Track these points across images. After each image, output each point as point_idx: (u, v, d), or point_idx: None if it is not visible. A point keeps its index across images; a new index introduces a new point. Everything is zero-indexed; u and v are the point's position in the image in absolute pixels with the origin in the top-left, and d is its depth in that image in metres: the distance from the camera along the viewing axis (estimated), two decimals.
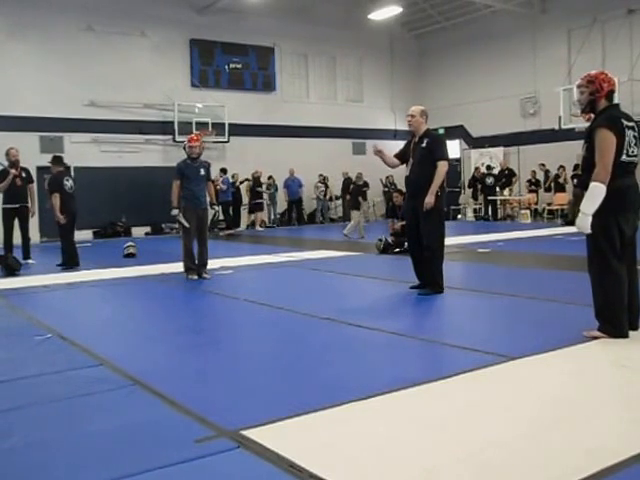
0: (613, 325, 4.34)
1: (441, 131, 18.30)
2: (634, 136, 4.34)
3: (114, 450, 2.84)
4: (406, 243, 8.06)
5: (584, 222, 4.23)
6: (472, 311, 5.99)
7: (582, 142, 4.46)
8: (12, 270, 9.38)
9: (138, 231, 18.03)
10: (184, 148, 8.80)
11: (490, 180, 19.81)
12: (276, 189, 20.16)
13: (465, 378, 3.68)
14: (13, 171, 10.49)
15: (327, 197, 21.03)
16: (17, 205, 10.63)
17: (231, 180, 18.51)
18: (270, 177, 19.86)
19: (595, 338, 4.36)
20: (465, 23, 21.53)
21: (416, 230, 6.55)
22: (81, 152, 16.97)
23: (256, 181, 19.09)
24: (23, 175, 10.74)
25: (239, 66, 20.03)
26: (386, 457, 2.64)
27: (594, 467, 2.46)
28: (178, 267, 8.67)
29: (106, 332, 5.49)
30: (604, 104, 4.42)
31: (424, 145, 6.48)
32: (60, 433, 3.09)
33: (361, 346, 4.61)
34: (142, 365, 4.23)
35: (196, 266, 8.43)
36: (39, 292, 7.84)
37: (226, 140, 19.21)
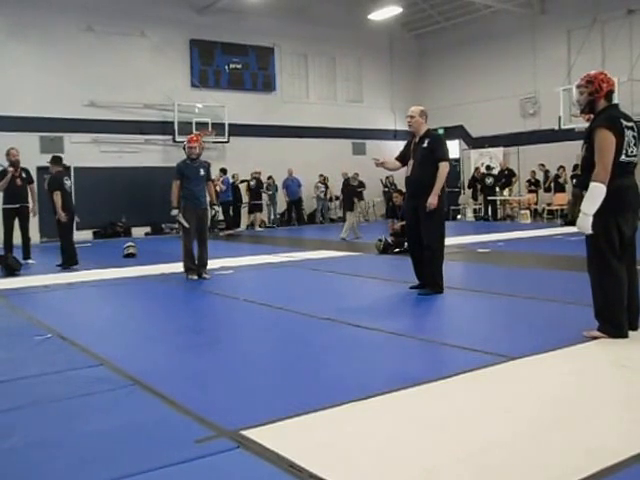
0: (613, 325, 4.34)
1: (441, 131, 18.29)
2: (633, 136, 4.34)
3: (114, 450, 2.84)
4: (406, 243, 8.07)
5: (585, 222, 4.23)
6: (472, 311, 5.99)
7: (582, 142, 4.47)
8: (12, 270, 9.39)
9: (138, 231, 18.03)
10: (184, 148, 8.80)
11: (490, 180, 19.81)
12: (276, 189, 20.17)
13: (465, 378, 3.68)
14: (11, 169, 10.49)
15: (327, 197, 21.04)
16: (17, 205, 10.63)
17: (231, 180, 18.52)
18: (270, 177, 19.87)
19: (595, 338, 4.36)
20: (465, 23, 21.54)
21: (416, 230, 6.56)
22: (81, 152, 16.98)
23: (258, 182, 19.12)
24: (23, 175, 10.74)
25: (239, 66, 20.03)
26: (386, 457, 2.64)
27: (594, 467, 2.46)
28: (178, 267, 8.67)
29: (106, 332, 5.49)
30: (603, 104, 4.42)
31: (425, 145, 6.49)
32: (60, 433, 3.09)
33: (361, 346, 4.61)
34: (142, 365, 4.24)
35: (196, 266, 8.43)
36: (39, 292, 7.84)
37: (226, 140, 19.22)
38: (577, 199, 8.60)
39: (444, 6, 21.44)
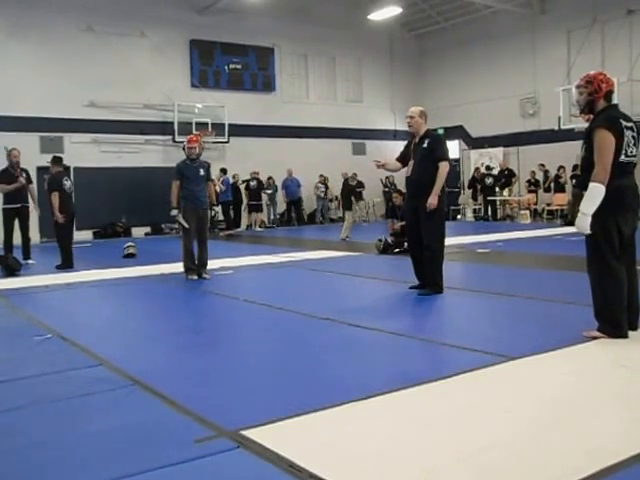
0: (612, 325, 4.35)
1: (441, 131, 18.29)
2: (633, 136, 4.34)
3: (114, 450, 2.84)
4: (406, 243, 8.07)
5: (583, 222, 4.24)
6: (472, 311, 5.99)
7: (581, 142, 4.47)
8: (12, 270, 9.39)
9: (138, 231, 18.03)
10: (183, 149, 8.80)
11: (490, 180, 19.82)
12: (276, 189, 20.17)
13: (465, 378, 3.68)
14: (22, 180, 10.51)
15: (327, 197, 21.04)
16: (18, 205, 10.64)
17: (231, 180, 18.52)
18: (270, 177, 19.87)
19: (595, 338, 4.36)
20: (465, 23, 21.54)
21: (416, 230, 6.56)
22: (81, 152, 16.97)
23: (259, 183, 19.14)
24: (24, 176, 10.74)
25: (239, 66, 20.03)
26: (386, 457, 2.65)
27: (594, 467, 2.46)
28: (178, 267, 8.67)
29: (106, 332, 5.49)
30: (603, 104, 4.42)
31: (425, 146, 6.49)
32: (60, 433, 3.09)
33: (361, 346, 4.61)
34: (142, 365, 4.24)
35: (196, 266, 8.43)
36: (39, 292, 7.84)
37: (226, 140, 19.22)
38: (577, 199, 8.58)
39: (444, 6, 21.45)
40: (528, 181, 19.76)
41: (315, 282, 8.32)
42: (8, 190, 10.53)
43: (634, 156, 4.36)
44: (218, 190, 15.58)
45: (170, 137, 18.38)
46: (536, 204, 19.83)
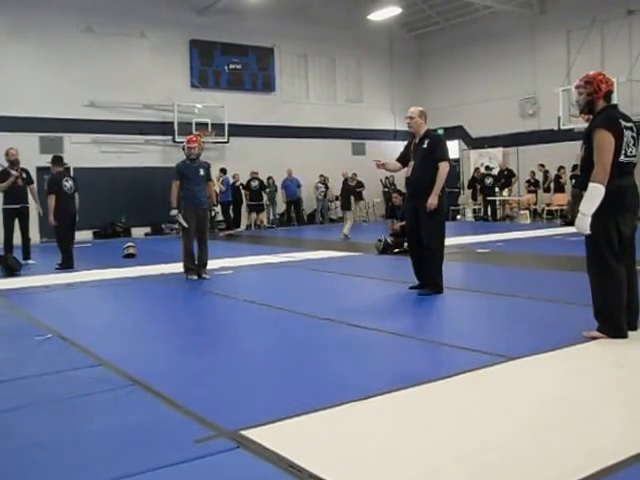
0: (612, 325, 4.35)
1: (440, 131, 18.29)
2: (632, 136, 4.34)
3: (114, 450, 2.84)
4: (406, 243, 8.07)
5: (583, 223, 4.24)
6: (471, 311, 6.00)
7: (581, 143, 4.47)
8: (12, 270, 9.38)
9: (138, 231, 18.03)
10: (183, 149, 8.80)
11: (489, 180, 19.82)
12: (275, 189, 20.18)
13: (465, 378, 3.68)
14: (15, 173, 10.49)
15: (327, 197, 21.04)
16: (18, 205, 10.64)
17: (231, 180, 18.52)
18: (270, 178, 19.86)
19: (594, 338, 4.36)
20: (464, 24, 21.54)
21: (416, 230, 6.56)
22: (81, 153, 16.97)
23: (262, 183, 19.16)
24: (23, 175, 10.74)
25: (239, 67, 20.03)
26: (386, 457, 2.65)
27: (594, 467, 2.46)
28: (178, 267, 8.67)
29: (106, 332, 5.48)
30: (602, 105, 4.42)
31: (425, 146, 6.49)
32: (60, 433, 3.09)
33: (361, 346, 4.61)
34: (142, 365, 4.24)
35: (196, 266, 8.43)
36: (39, 292, 7.84)
37: (226, 140, 19.22)
38: (576, 199, 8.59)
39: (444, 7, 21.45)
40: (528, 181, 19.76)
41: (315, 282, 8.32)
42: (3, 188, 10.51)
43: (634, 156, 4.37)
44: (218, 190, 15.64)
45: (170, 137, 18.38)
46: (536, 204, 19.83)
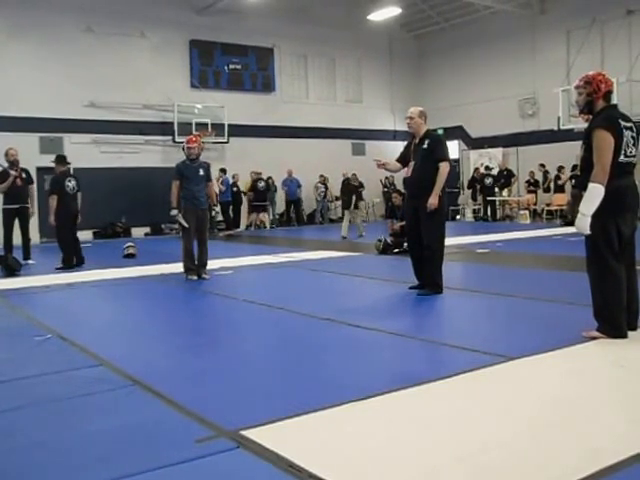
0: (612, 325, 4.35)
1: (440, 132, 18.29)
2: (632, 136, 4.34)
3: (114, 450, 2.84)
4: (405, 243, 8.07)
5: (583, 223, 4.24)
6: (471, 311, 6.00)
7: (581, 143, 4.47)
8: (12, 270, 9.38)
9: (138, 232, 18.03)
10: (183, 149, 8.80)
11: (489, 181, 19.83)
12: (275, 190, 20.18)
13: (465, 378, 3.68)
14: (14, 172, 10.48)
15: (327, 198, 21.04)
16: (18, 205, 10.63)
17: (231, 181, 18.52)
18: (269, 178, 19.86)
19: (594, 338, 4.36)
20: (464, 24, 21.55)
21: (416, 230, 6.56)
22: (81, 153, 16.93)
23: (268, 184, 19.17)
24: (23, 176, 10.74)
25: (239, 67, 20.03)
26: (386, 457, 2.65)
27: (594, 467, 2.46)
28: (178, 267, 8.67)
29: (106, 332, 5.49)
30: (602, 105, 4.42)
31: (425, 146, 6.49)
32: (60, 433, 3.09)
33: (361, 346, 4.61)
34: (142, 365, 4.24)
35: (196, 266, 8.43)
36: (39, 292, 7.84)
37: (225, 141, 19.22)
38: (576, 199, 8.60)
39: (443, 7, 21.45)
40: (527, 181, 19.77)
41: (315, 282, 8.32)
42: (3, 189, 10.52)
43: (633, 156, 4.37)
44: (217, 191, 15.64)
45: (170, 137, 18.38)
46: (535, 204, 19.83)
